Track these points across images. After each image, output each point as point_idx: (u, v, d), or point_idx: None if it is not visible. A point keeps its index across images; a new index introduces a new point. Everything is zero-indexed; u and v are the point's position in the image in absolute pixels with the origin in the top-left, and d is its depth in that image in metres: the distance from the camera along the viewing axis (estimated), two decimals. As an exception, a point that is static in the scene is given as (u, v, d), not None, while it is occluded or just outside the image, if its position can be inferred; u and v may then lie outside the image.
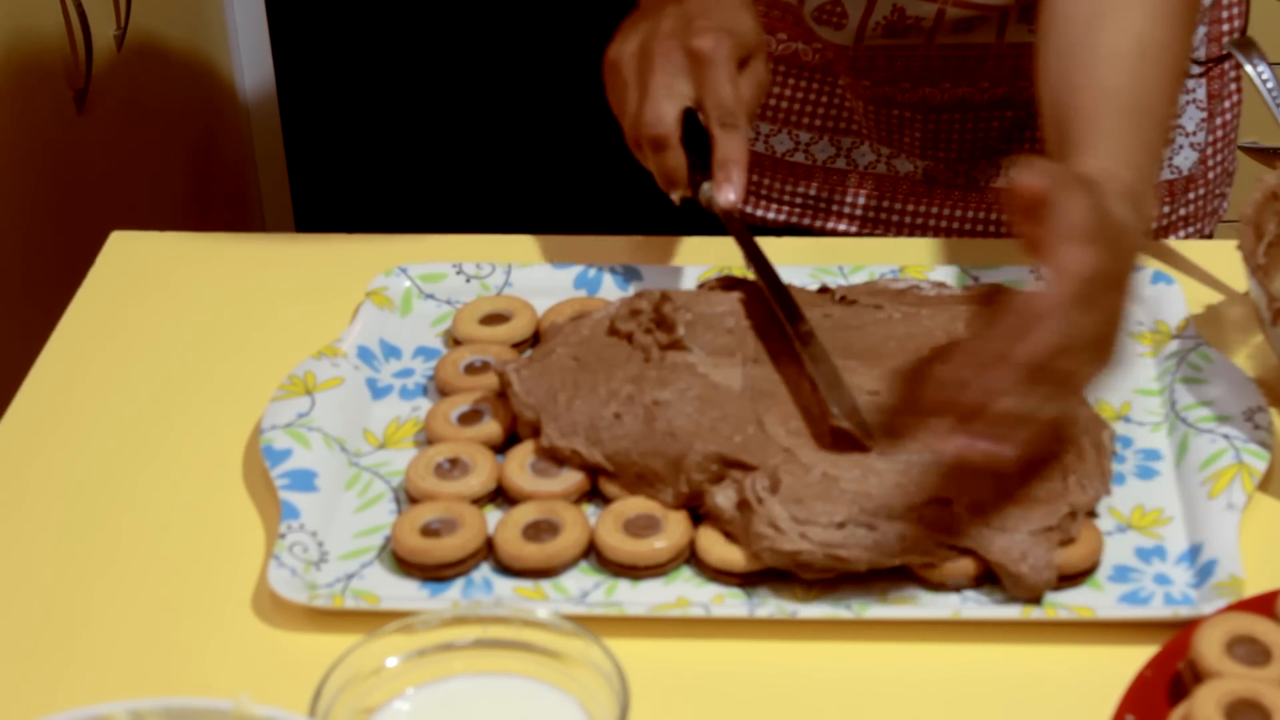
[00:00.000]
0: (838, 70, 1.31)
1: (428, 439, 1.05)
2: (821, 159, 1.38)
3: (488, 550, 0.98)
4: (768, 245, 1.21)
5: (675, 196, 1.13)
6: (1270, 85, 1.19)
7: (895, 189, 1.37)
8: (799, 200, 1.40)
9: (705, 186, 1.12)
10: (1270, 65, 1.23)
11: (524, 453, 1.02)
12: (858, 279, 1.16)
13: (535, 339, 1.13)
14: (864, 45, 1.27)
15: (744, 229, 1.12)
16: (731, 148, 1.11)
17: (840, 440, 0.98)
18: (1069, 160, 1.02)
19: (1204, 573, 0.94)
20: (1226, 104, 1.37)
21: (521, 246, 1.23)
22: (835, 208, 1.39)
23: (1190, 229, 1.38)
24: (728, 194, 1.11)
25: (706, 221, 1.16)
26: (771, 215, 1.41)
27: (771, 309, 1.08)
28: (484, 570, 0.97)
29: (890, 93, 1.30)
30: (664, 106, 1.11)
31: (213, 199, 2.32)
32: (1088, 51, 1.07)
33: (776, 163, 1.39)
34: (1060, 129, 1.05)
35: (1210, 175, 1.37)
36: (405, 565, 0.97)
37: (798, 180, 1.39)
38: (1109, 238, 0.92)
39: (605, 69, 1.15)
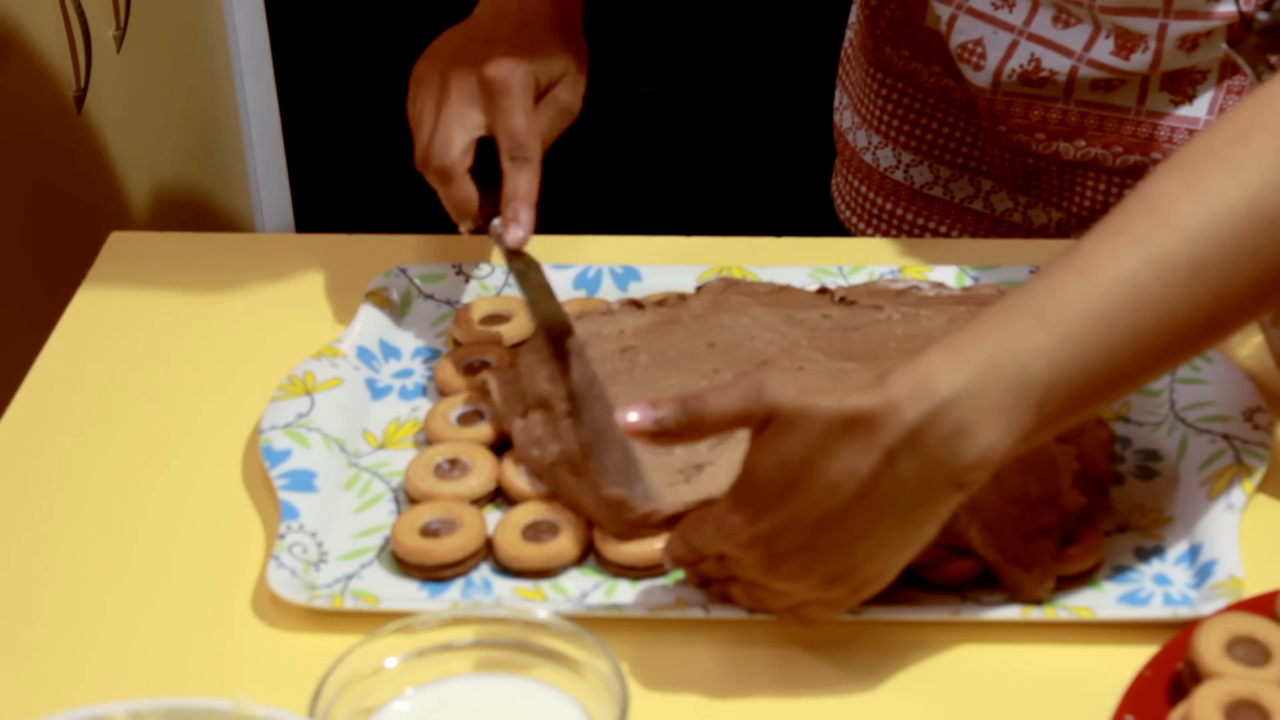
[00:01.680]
0: (979, 111, 1.29)
1: (427, 439, 1.05)
2: (960, 197, 1.34)
3: (487, 551, 0.98)
4: (767, 244, 1.21)
5: (464, 229, 1.12)
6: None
7: (1028, 238, 1.33)
8: (929, 235, 1.36)
9: (495, 224, 1.12)
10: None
11: (524, 453, 1.03)
12: (857, 279, 1.16)
13: (535, 339, 1.13)
14: (1000, 90, 1.25)
15: (528, 269, 1.10)
16: (520, 183, 1.10)
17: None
18: (1013, 293, 0.87)
19: (1203, 573, 0.94)
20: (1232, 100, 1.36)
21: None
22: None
23: None
24: (514, 233, 1.10)
25: (706, 222, 1.16)
26: None
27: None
28: (483, 571, 0.97)
29: (1025, 142, 1.27)
30: (452, 135, 1.10)
31: (213, 199, 2.32)
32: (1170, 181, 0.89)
33: (914, 194, 1.36)
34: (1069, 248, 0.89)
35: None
36: (405, 565, 0.97)
37: (931, 215, 1.36)
38: (780, 494, 0.85)
39: (410, 82, 1.15)
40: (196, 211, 2.23)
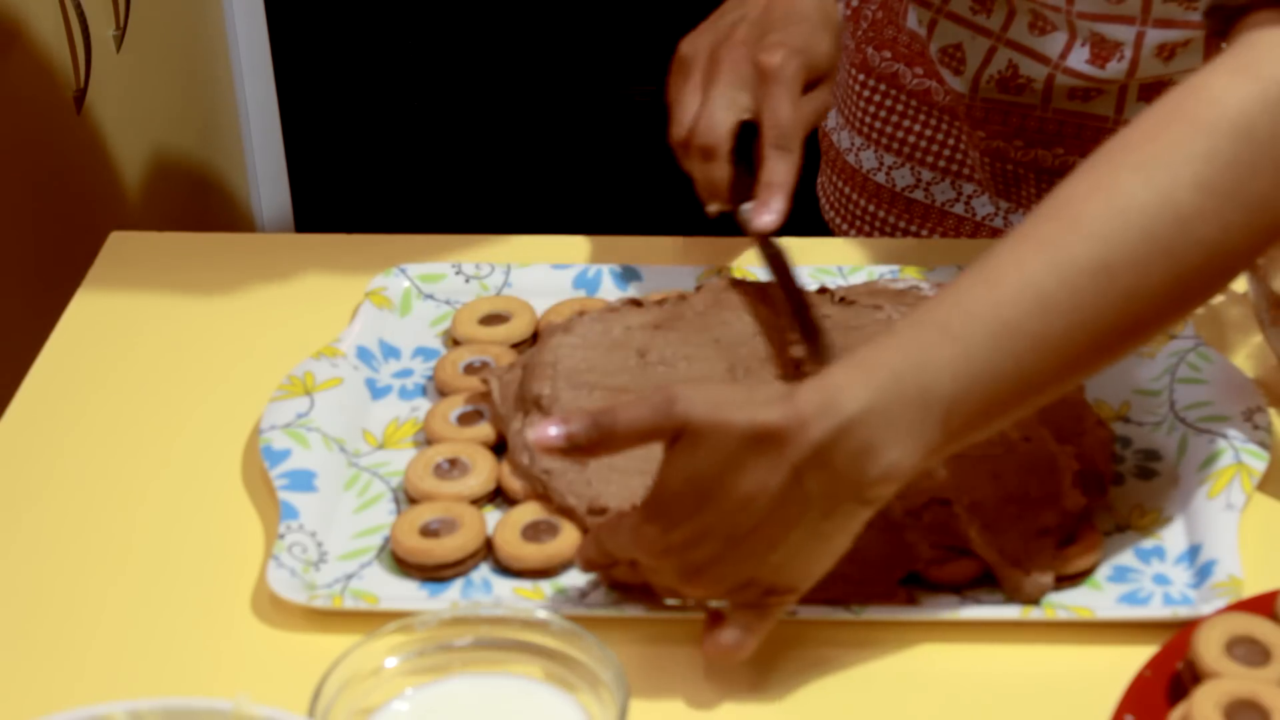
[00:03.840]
0: (960, 115, 1.29)
1: (427, 439, 1.05)
2: (941, 200, 1.34)
3: (487, 550, 0.98)
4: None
5: (713, 208, 1.12)
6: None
7: None
8: (910, 238, 1.36)
9: (746, 207, 1.11)
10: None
11: (523, 453, 1.03)
12: (857, 279, 1.16)
13: (534, 339, 1.13)
14: (979, 96, 1.25)
15: (778, 254, 1.10)
16: (780, 171, 1.09)
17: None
18: (921, 306, 0.87)
19: (1203, 573, 0.94)
20: None
21: (521, 246, 1.23)
22: None
23: None
24: (765, 218, 1.09)
25: (705, 222, 1.15)
26: None
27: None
28: (483, 570, 0.97)
29: (1004, 148, 1.27)
30: (720, 116, 1.09)
31: (213, 199, 2.31)
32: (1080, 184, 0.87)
33: (895, 196, 1.36)
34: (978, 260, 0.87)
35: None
36: (404, 565, 0.97)
37: (913, 218, 1.35)
38: (692, 507, 0.85)
39: (674, 60, 1.14)
40: (196, 211, 2.23)
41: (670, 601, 0.93)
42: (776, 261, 1.10)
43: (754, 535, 0.85)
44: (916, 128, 1.32)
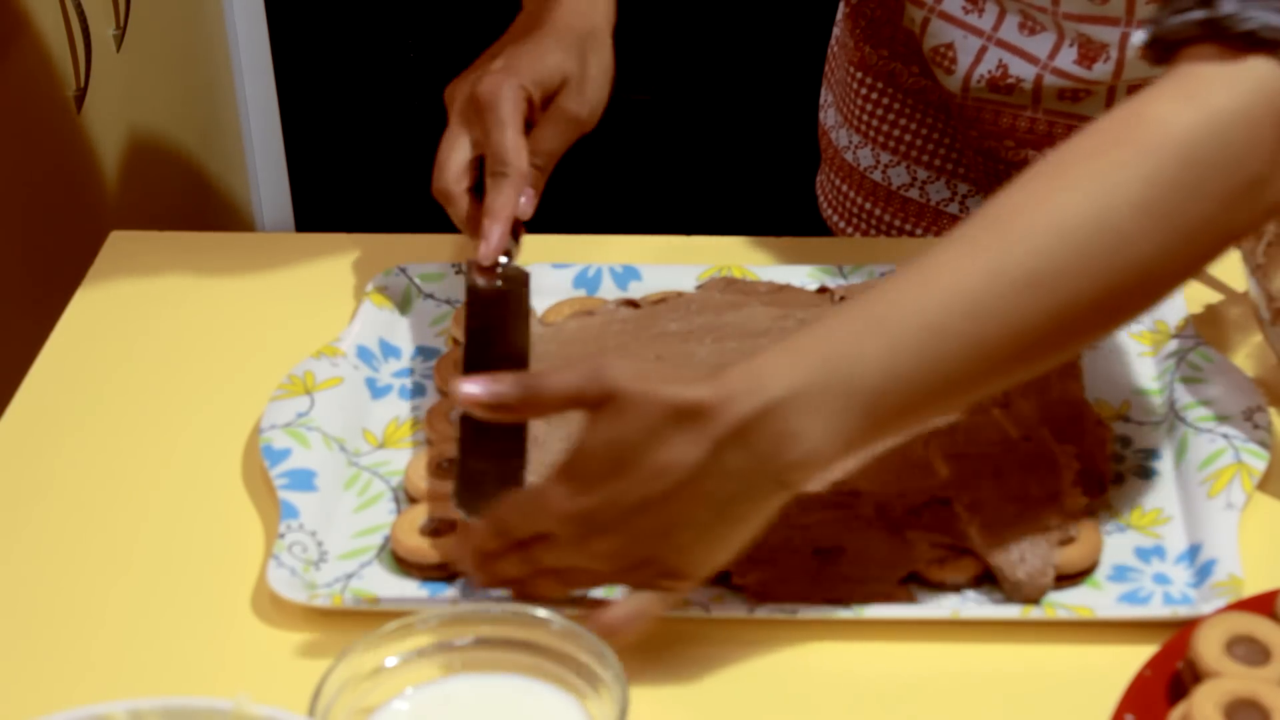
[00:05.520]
0: (953, 114, 1.29)
1: (427, 439, 1.05)
2: (935, 200, 1.34)
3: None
4: (766, 244, 1.21)
5: (480, 253, 1.10)
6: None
7: None
8: (907, 237, 1.36)
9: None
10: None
11: (523, 453, 1.02)
12: (857, 279, 1.16)
13: (534, 339, 1.13)
14: (970, 95, 1.24)
15: (481, 291, 1.09)
16: (495, 199, 1.09)
17: None
18: (846, 304, 0.88)
19: (1203, 572, 0.94)
20: None
21: (522, 246, 1.23)
22: None
23: None
24: (481, 248, 1.09)
25: (706, 222, 1.16)
26: None
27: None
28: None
29: (995, 148, 1.27)
30: (448, 158, 1.11)
31: (213, 199, 2.32)
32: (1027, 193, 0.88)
33: (891, 195, 1.35)
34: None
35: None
36: (405, 565, 0.97)
37: (908, 217, 1.35)
38: (607, 472, 0.85)
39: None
40: (196, 211, 2.23)
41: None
42: (475, 300, 1.09)
43: (664, 506, 0.85)
44: (913, 126, 1.33)
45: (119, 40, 1.90)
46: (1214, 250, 0.90)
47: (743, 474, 0.85)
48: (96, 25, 1.79)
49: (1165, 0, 0.91)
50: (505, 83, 1.10)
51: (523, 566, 0.90)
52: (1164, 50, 0.91)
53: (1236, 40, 0.87)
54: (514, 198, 1.09)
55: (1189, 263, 0.89)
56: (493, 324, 1.07)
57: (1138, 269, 0.86)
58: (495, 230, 1.09)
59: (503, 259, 1.10)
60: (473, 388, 0.88)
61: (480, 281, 1.10)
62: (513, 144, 1.09)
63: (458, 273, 1.18)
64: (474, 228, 1.11)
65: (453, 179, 1.11)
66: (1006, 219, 0.87)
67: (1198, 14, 0.88)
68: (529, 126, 1.11)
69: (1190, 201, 0.86)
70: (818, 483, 0.96)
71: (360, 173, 2.65)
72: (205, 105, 2.31)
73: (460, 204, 1.11)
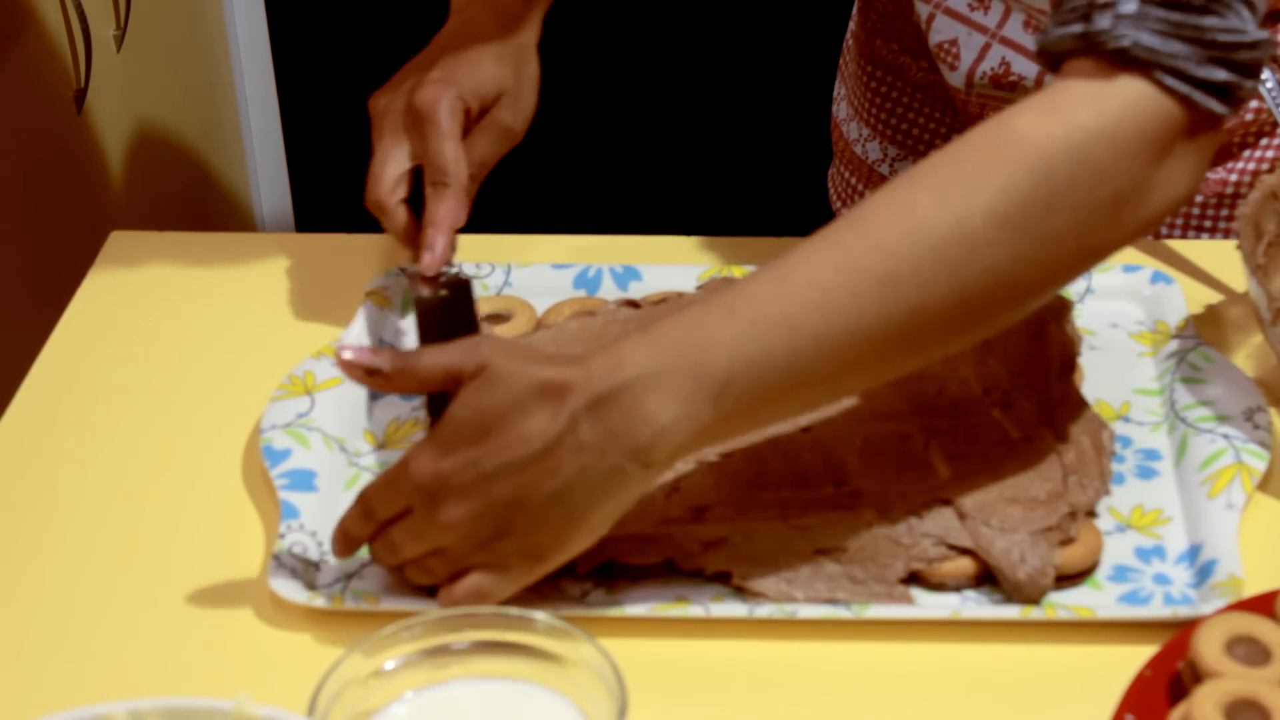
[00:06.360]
0: (958, 109, 1.30)
1: (427, 439, 1.05)
2: None
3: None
4: (767, 244, 1.21)
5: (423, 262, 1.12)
6: (1271, 87, 1.19)
7: None
8: None
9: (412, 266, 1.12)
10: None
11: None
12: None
13: (535, 339, 1.13)
14: (974, 92, 1.25)
15: (427, 302, 1.10)
16: (437, 210, 1.10)
17: None
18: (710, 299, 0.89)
19: (1203, 572, 0.94)
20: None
21: (521, 246, 1.23)
22: None
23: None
24: (423, 258, 1.10)
25: (707, 222, 1.15)
26: None
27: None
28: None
29: None
30: (382, 170, 1.12)
31: (213, 199, 2.32)
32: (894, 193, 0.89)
33: None
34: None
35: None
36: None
37: None
38: (471, 437, 0.88)
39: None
40: (196, 211, 2.23)
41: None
42: (425, 311, 1.09)
43: (520, 475, 0.87)
44: (921, 120, 1.33)
45: (119, 40, 1.90)
46: (1077, 262, 0.91)
47: (596, 447, 0.87)
48: (96, 25, 1.79)
49: (1056, 6, 0.92)
50: (444, 94, 1.11)
51: (385, 554, 0.92)
52: (1050, 61, 0.93)
53: (1110, 57, 0.88)
54: (455, 208, 1.11)
55: (1049, 274, 0.90)
56: (444, 334, 1.08)
57: (991, 276, 0.87)
58: (439, 240, 1.10)
59: (446, 268, 1.11)
60: (350, 355, 0.91)
61: (425, 292, 1.11)
62: (453, 155, 1.10)
63: (399, 275, 1.17)
64: (410, 239, 1.12)
65: (387, 190, 1.12)
66: (868, 220, 0.89)
67: (1076, 28, 0.90)
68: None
69: (1046, 214, 0.87)
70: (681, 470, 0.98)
71: (360, 173, 2.64)
72: (205, 105, 2.31)
73: (396, 215, 1.13)
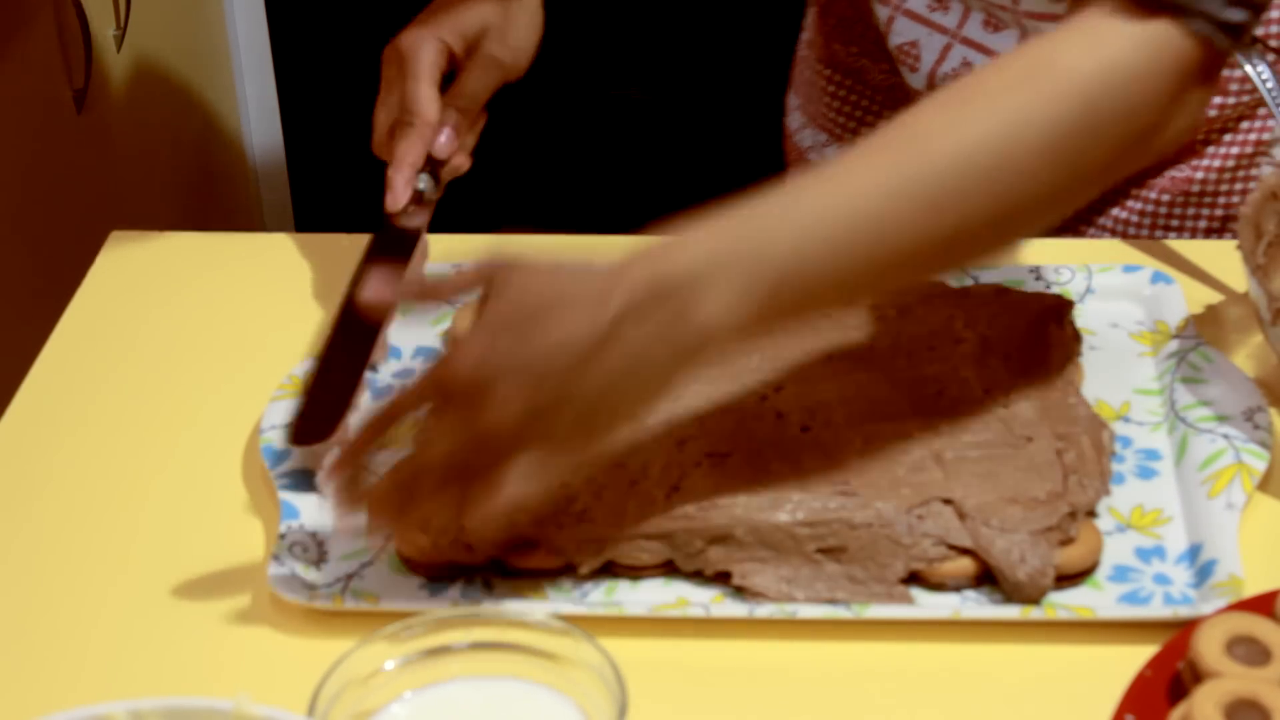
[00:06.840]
0: None
1: (427, 439, 1.05)
2: None
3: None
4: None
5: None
6: (1270, 85, 1.19)
7: None
8: None
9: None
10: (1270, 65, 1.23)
11: (524, 453, 1.02)
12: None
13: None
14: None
15: (386, 238, 1.12)
16: (397, 146, 1.13)
17: None
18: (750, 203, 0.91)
19: (1203, 572, 0.94)
20: (1230, 101, 1.36)
21: (521, 246, 1.23)
22: None
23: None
24: (388, 198, 1.12)
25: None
26: None
27: None
28: (484, 571, 0.97)
29: None
30: (377, 119, 1.15)
31: (213, 199, 2.31)
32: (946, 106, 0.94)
33: None
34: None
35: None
36: (408, 564, 0.97)
37: None
38: (525, 319, 0.87)
39: None
40: (196, 211, 2.23)
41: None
42: (378, 245, 1.12)
43: (570, 347, 0.86)
44: (880, 124, 1.33)
45: (119, 40, 1.90)
46: (1101, 186, 0.97)
47: (650, 333, 0.87)
48: (96, 25, 1.79)
49: None
50: (420, 37, 1.14)
51: (418, 452, 0.90)
52: None
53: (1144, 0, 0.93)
54: (417, 145, 1.12)
55: (1077, 197, 0.97)
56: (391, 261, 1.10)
57: (1030, 200, 0.93)
58: (398, 178, 1.12)
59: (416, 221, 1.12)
60: (374, 288, 0.95)
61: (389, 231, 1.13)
62: (421, 94, 1.12)
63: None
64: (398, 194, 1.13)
65: (383, 137, 1.14)
66: (919, 139, 0.92)
67: None
68: (453, 75, 1.15)
69: (1088, 146, 0.93)
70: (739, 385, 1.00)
71: (360, 173, 2.65)
72: (205, 105, 2.31)
73: (401, 178, 1.13)
